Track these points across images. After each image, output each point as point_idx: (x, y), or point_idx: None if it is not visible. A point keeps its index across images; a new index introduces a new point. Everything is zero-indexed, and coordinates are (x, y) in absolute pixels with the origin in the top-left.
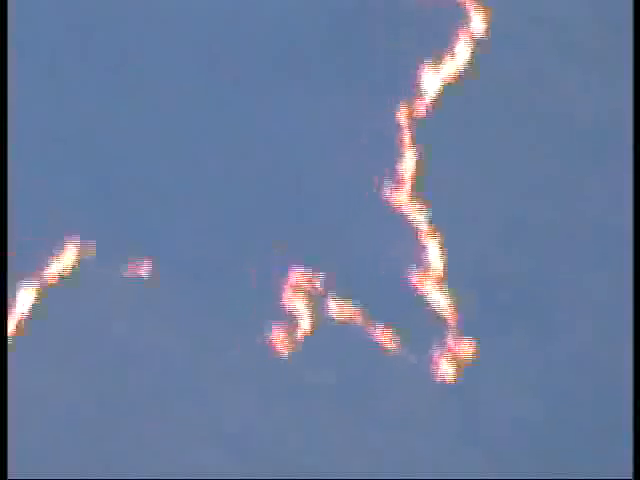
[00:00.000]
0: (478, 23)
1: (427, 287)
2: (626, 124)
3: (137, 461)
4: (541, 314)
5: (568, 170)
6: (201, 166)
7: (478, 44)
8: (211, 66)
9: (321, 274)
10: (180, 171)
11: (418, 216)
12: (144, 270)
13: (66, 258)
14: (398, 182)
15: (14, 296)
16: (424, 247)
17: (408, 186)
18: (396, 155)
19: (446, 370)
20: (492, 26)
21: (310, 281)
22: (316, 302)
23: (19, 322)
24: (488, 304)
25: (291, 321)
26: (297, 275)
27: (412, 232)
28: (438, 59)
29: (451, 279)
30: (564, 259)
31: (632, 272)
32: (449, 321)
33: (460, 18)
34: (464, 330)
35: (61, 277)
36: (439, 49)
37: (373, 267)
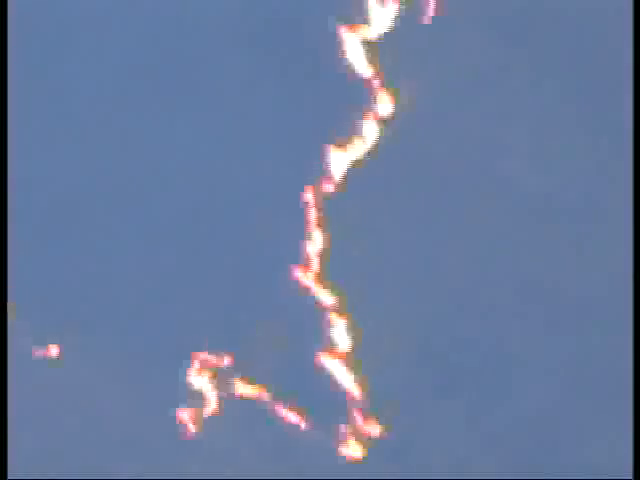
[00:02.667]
0: (386, 103)
1: (335, 365)
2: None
3: None
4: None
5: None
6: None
7: (385, 124)
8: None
9: (227, 354)
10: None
11: (325, 295)
12: (53, 350)
13: None
14: (306, 261)
15: None
16: (332, 326)
17: (316, 265)
18: (304, 234)
19: (353, 447)
20: (399, 106)
21: (216, 361)
22: (222, 381)
23: None
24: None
25: (198, 400)
26: (203, 355)
27: (319, 311)
28: (345, 137)
29: (360, 356)
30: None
31: (632, 272)
32: (357, 399)
33: (368, 98)
34: (372, 408)
35: None
36: (346, 126)
37: (280, 346)
